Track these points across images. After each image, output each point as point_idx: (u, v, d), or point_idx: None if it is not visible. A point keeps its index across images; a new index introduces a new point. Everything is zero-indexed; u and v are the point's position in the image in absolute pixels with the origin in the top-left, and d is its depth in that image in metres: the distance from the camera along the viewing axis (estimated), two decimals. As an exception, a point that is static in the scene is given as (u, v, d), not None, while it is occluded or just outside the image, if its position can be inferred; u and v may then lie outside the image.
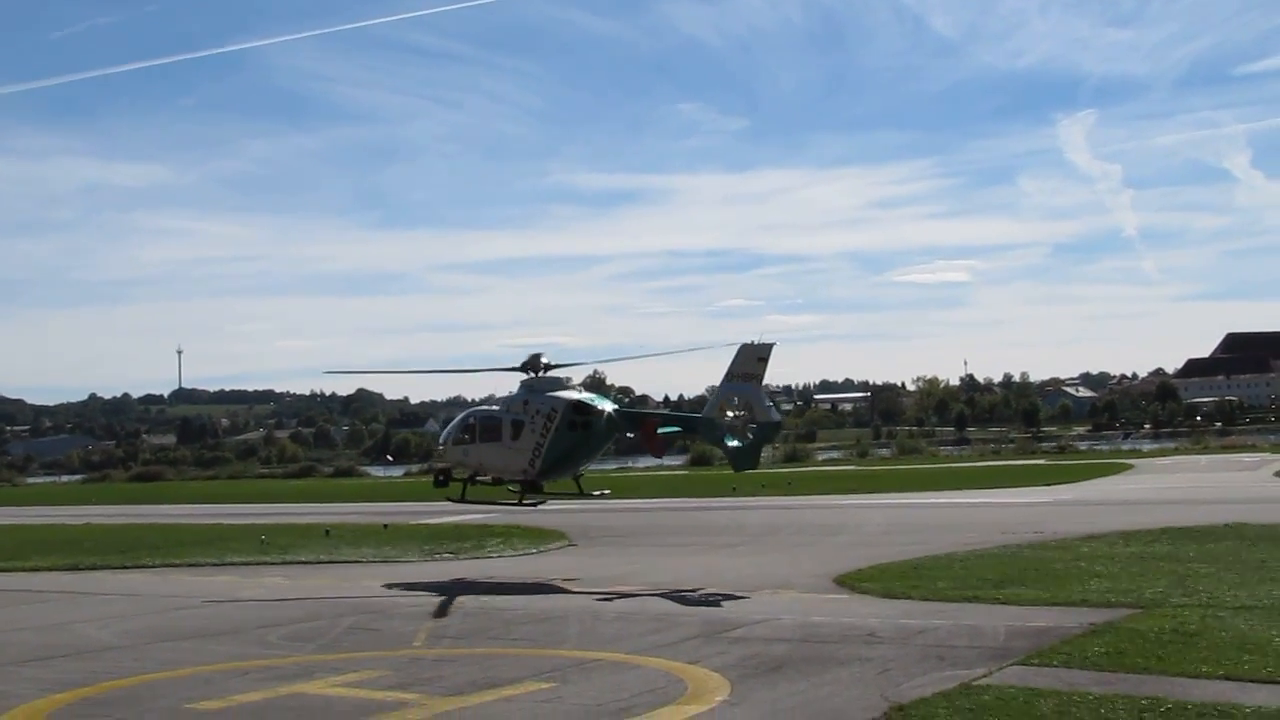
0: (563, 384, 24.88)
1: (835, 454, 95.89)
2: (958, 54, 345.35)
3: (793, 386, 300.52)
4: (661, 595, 20.12)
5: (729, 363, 22.19)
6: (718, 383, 23.16)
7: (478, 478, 25.85)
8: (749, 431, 22.20)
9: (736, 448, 22.42)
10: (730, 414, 22.30)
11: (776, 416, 22.95)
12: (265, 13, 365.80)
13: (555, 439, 24.04)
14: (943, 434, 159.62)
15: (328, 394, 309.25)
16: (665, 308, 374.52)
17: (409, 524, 38.24)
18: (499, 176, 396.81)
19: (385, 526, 36.28)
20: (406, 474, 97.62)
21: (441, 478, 26.53)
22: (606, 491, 30.06)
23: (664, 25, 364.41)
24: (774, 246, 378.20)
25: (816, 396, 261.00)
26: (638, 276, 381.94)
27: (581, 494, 26.23)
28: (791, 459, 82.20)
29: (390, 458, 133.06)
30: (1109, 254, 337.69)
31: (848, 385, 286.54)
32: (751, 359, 22.05)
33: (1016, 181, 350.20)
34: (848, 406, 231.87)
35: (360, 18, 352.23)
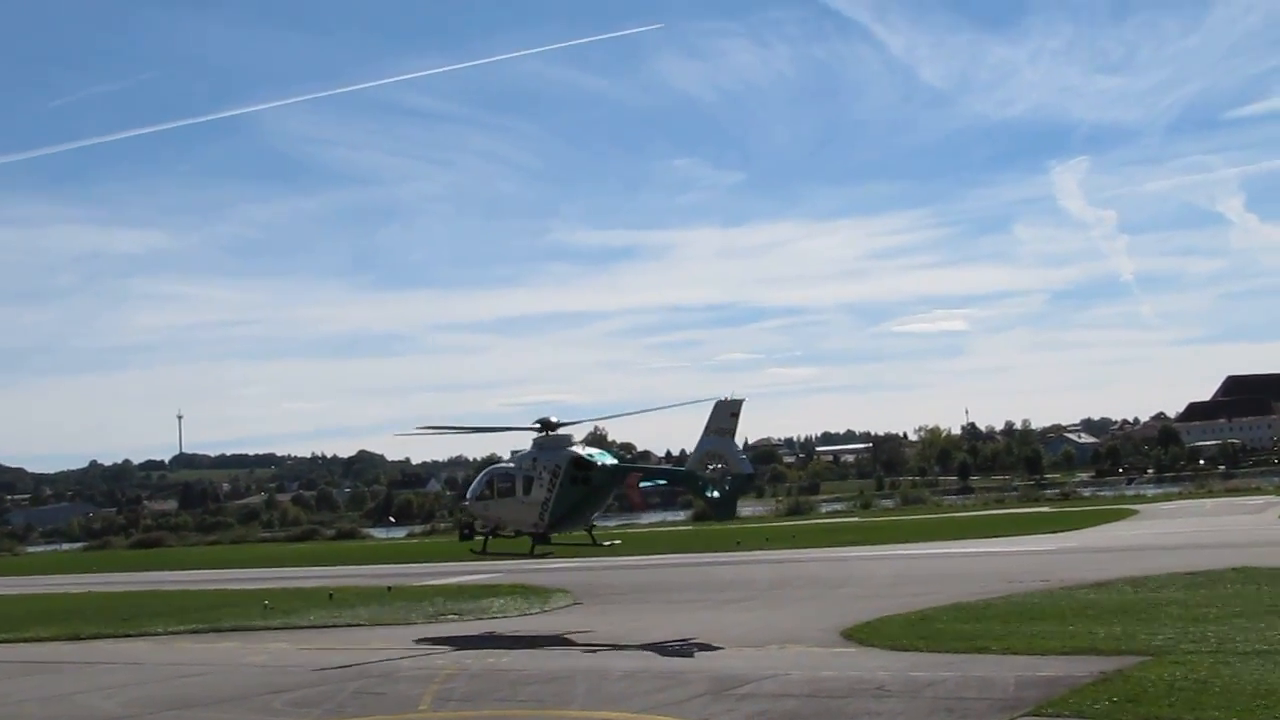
0: (569, 441, 27.13)
1: (839, 506, 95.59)
2: (949, 104, 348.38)
3: (794, 439, 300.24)
4: (665, 652, 20.04)
5: (706, 418, 24.20)
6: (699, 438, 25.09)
7: (498, 531, 27.99)
8: (725, 483, 24.18)
9: (715, 499, 24.50)
10: (710, 467, 24.25)
11: (749, 469, 24.98)
12: (260, 78, 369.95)
13: (560, 493, 26.35)
14: (946, 483, 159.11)
15: (329, 456, 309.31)
16: (665, 363, 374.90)
17: (413, 585, 38.07)
18: (496, 235, 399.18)
19: (389, 589, 36.09)
20: (409, 535, 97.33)
21: (467, 531, 29.29)
22: (617, 541, 31.98)
23: (657, 82, 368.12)
24: (772, 299, 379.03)
25: (818, 449, 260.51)
26: (637, 332, 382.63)
27: (594, 545, 28.41)
28: (795, 512, 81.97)
29: (392, 519, 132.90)
30: (1106, 300, 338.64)
31: (849, 436, 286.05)
32: (725, 414, 24.14)
33: (1012, 229, 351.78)
34: (850, 458, 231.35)
35: (354, 81, 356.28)
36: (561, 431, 27.29)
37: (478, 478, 28.76)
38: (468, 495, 28.55)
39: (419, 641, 23.97)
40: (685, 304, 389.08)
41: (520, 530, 27.46)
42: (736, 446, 24.58)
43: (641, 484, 27.64)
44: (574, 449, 26.69)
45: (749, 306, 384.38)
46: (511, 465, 27.45)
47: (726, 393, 24.24)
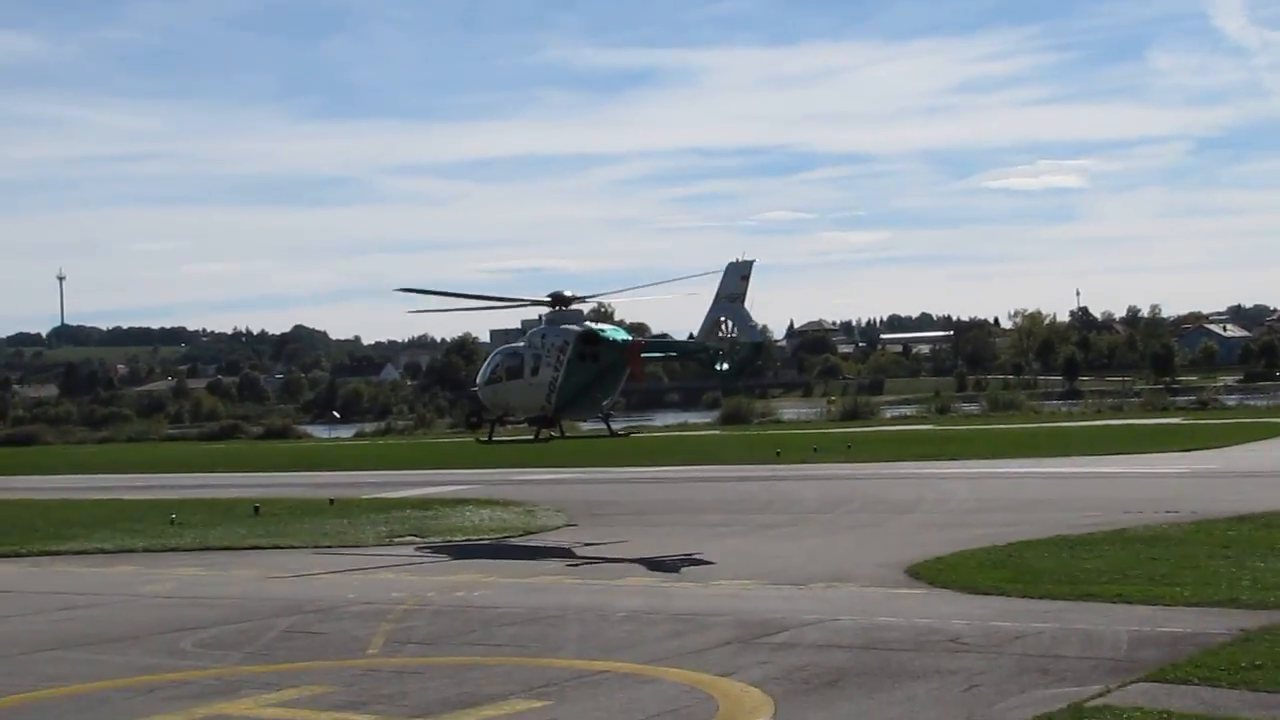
0: (582, 317, 30.62)
1: (908, 410, 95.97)
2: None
3: (853, 323, 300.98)
4: (673, 580, 20.27)
5: (717, 284, 27.72)
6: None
7: (506, 418, 32.05)
8: (736, 353, 27.73)
9: (724, 371, 28.15)
10: (720, 336, 27.80)
11: (757, 338, 28.60)
12: None
13: (568, 372, 29.64)
14: (1048, 385, 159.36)
15: (255, 332, 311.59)
16: (688, 221, 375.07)
17: (362, 499, 38.43)
18: (473, 52, 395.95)
19: (331, 502, 36.52)
20: (358, 435, 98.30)
21: (474, 418, 34.13)
22: (636, 429, 33.93)
23: None
24: (828, 142, 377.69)
25: (884, 336, 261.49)
26: (652, 182, 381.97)
27: (611, 434, 32.35)
28: (852, 416, 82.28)
29: (337, 414, 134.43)
30: (1268, 151, 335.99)
31: (924, 322, 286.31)
32: (735, 278, 27.51)
33: (1146, 56, 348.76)
34: (924, 349, 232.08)
35: None
36: (576, 308, 30.57)
37: (487, 359, 33.02)
38: (476, 379, 32.44)
39: (368, 569, 24.23)
40: (715, 146, 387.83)
41: (528, 416, 31.25)
42: (746, 313, 27.94)
43: (645, 355, 31.02)
44: (583, 325, 30.17)
45: (798, 151, 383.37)
46: (521, 345, 31.13)
47: (738, 254, 27.55)
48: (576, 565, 24.14)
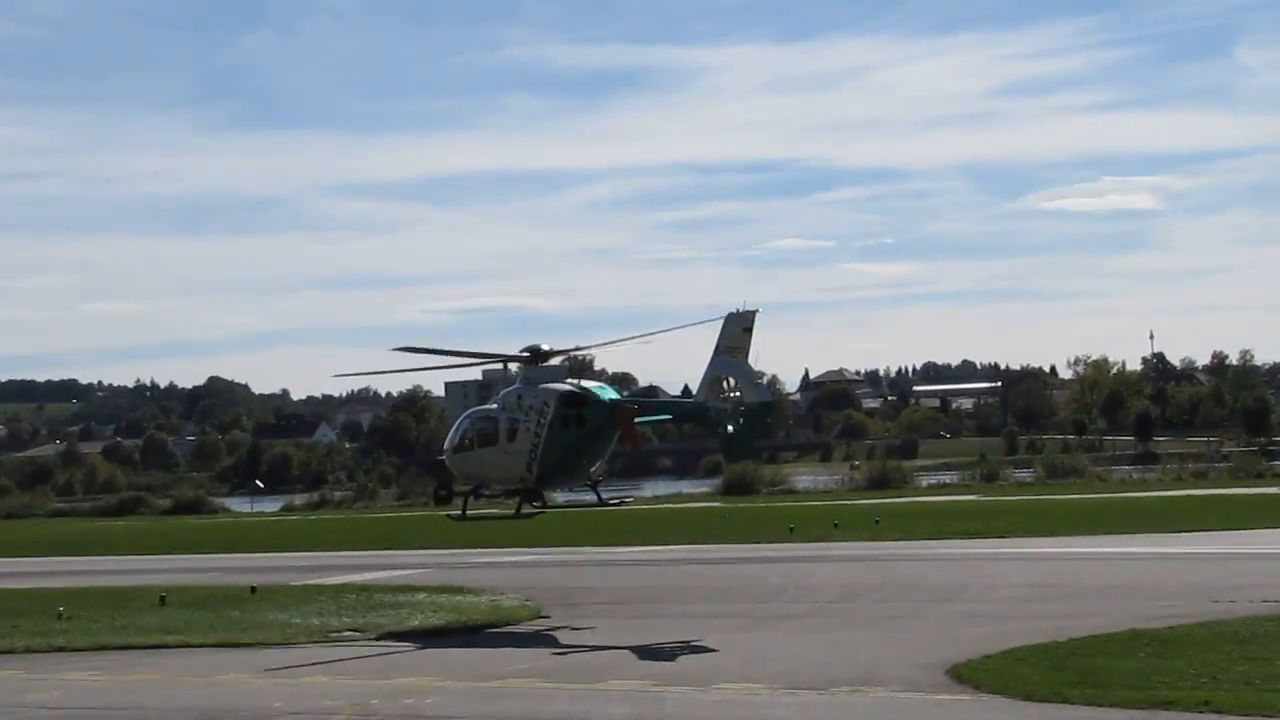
0: (564, 373, 32.05)
1: (947, 477, 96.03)
2: None
3: (880, 373, 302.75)
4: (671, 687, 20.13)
5: (717, 336, 29.05)
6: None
7: (481, 490, 33.40)
8: (740, 415, 28.95)
9: (729, 434, 29.58)
10: (721, 395, 29.18)
11: (765, 396, 30.26)
12: None
13: (550, 437, 30.88)
14: (1116, 446, 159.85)
15: (162, 385, 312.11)
16: (683, 251, 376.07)
17: (291, 585, 38.21)
18: (423, 50, 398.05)
19: (254, 590, 36.31)
20: (286, 509, 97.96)
21: (443, 491, 34.71)
22: (629, 499, 38.80)
23: None
24: (849, 157, 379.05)
25: (917, 389, 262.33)
26: (640, 204, 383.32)
27: (600, 503, 34.03)
28: (880, 485, 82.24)
29: (261, 484, 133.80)
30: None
31: (966, 371, 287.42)
32: (736, 330, 28.89)
33: (1233, 52, 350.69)
34: (966, 404, 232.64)
35: None
36: (556, 362, 32.03)
37: (456, 424, 34.18)
38: (445, 446, 33.59)
39: (298, 671, 24.04)
40: (715, 161, 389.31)
41: (507, 487, 32.88)
42: (750, 369, 29.43)
43: (639, 420, 32.46)
44: (565, 383, 31.50)
45: (814, 167, 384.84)
46: (494, 407, 32.67)
47: (739, 303, 29.21)
48: (550, 662, 23.97)
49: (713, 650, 24.72)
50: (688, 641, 25.21)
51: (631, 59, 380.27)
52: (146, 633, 29.70)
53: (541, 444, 31.06)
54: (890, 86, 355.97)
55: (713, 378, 29.55)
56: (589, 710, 19.04)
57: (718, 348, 29.40)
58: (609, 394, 32.36)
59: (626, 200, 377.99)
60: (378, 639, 28.26)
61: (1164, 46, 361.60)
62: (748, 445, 32.43)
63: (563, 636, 27.95)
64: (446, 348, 32.83)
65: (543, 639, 27.66)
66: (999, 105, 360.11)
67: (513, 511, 33.75)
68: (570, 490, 38.67)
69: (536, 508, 33.43)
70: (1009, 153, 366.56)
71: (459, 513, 33.94)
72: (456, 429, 33.60)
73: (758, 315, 29.33)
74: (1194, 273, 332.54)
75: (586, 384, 32.59)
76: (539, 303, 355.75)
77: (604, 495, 34.61)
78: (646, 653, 24.72)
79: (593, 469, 32.73)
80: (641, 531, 52.72)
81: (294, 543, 58.84)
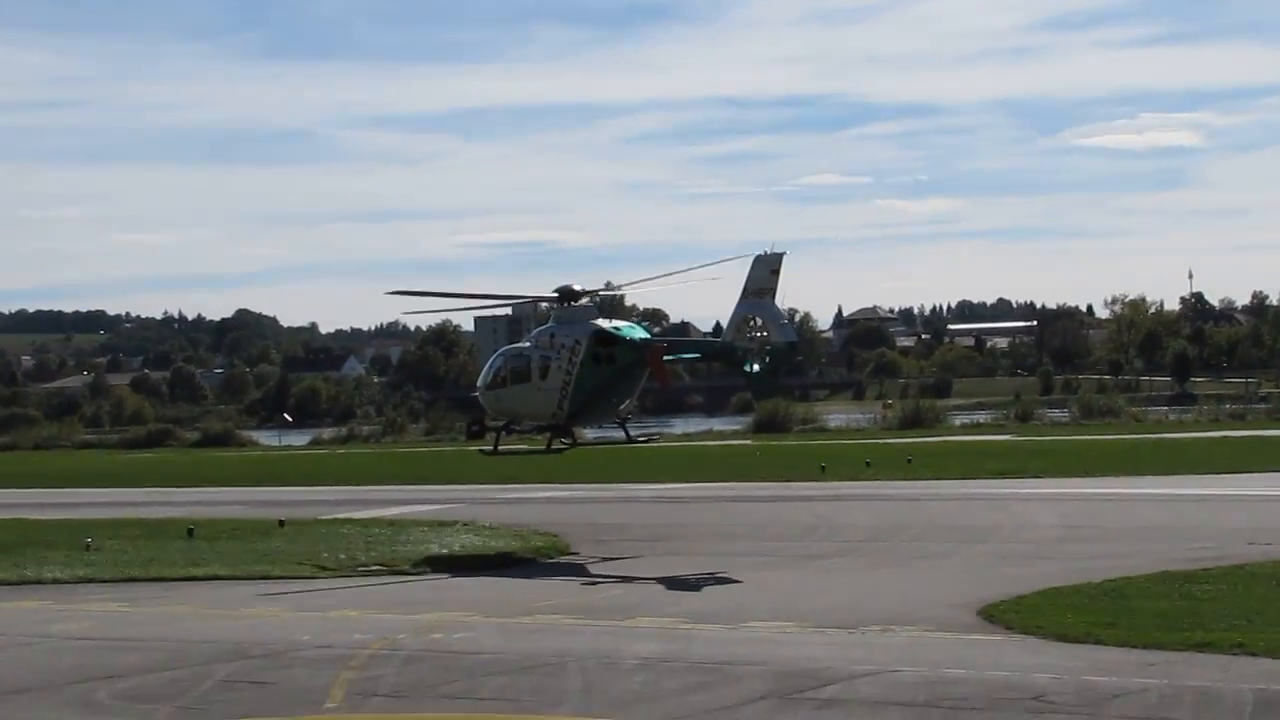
0: (594, 313, 33.24)
1: (981, 416, 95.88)
2: None
3: (915, 311, 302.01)
4: (701, 625, 20.27)
5: (745, 277, 30.44)
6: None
7: (513, 426, 34.74)
8: (765, 354, 30.38)
9: (755, 374, 31.10)
10: (749, 335, 30.44)
11: (791, 336, 31.86)
12: None
13: (581, 375, 32.03)
14: (1153, 387, 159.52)
15: (190, 318, 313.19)
16: (716, 185, 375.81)
17: (319, 520, 38.42)
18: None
19: (282, 523, 36.48)
20: (313, 442, 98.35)
21: (475, 427, 37.42)
22: (656, 436, 40.87)
23: None
24: (885, 91, 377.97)
25: (952, 327, 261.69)
26: (672, 138, 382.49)
27: (629, 440, 35.32)
28: (913, 424, 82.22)
29: (289, 417, 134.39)
30: None
31: (1001, 309, 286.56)
32: (764, 272, 30.25)
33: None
34: (1001, 343, 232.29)
35: None
36: (585, 302, 33.12)
37: (489, 361, 35.93)
38: (478, 383, 35.20)
39: (326, 605, 24.22)
40: (749, 95, 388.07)
41: (538, 423, 34.35)
42: (778, 310, 31.23)
43: (668, 358, 33.51)
44: (596, 322, 32.72)
45: (849, 101, 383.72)
46: (526, 345, 34.25)
47: (768, 245, 30.65)
48: (579, 599, 24.11)
49: (742, 585, 24.87)
50: (714, 573, 25.36)
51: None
52: (174, 565, 29.96)
53: (573, 381, 31.98)
54: (927, 20, 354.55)
55: (740, 318, 30.68)
56: (618, 647, 19.14)
57: (745, 289, 30.59)
58: (639, 333, 33.33)
59: (659, 134, 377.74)
60: (406, 573, 28.50)
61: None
62: (774, 384, 34.77)
63: (592, 573, 28.18)
64: (461, 290, 34.41)
65: (572, 575, 27.88)
66: (1038, 39, 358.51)
67: (543, 447, 34.87)
68: (600, 427, 39.92)
69: (566, 444, 34.63)
70: (1047, 88, 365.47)
71: (491, 448, 35.29)
72: (490, 366, 34.73)
73: (785, 257, 30.59)
74: (1234, 211, 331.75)
75: (618, 323, 33.44)
76: (570, 237, 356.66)
77: (633, 433, 35.45)
78: (676, 589, 24.84)
79: (622, 406, 33.66)
80: (672, 469, 52.84)
81: (322, 477, 59.05)
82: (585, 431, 40.95)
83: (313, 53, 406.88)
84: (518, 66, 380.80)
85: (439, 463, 62.25)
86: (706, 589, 24.95)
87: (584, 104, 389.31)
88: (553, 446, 34.58)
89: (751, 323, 30.52)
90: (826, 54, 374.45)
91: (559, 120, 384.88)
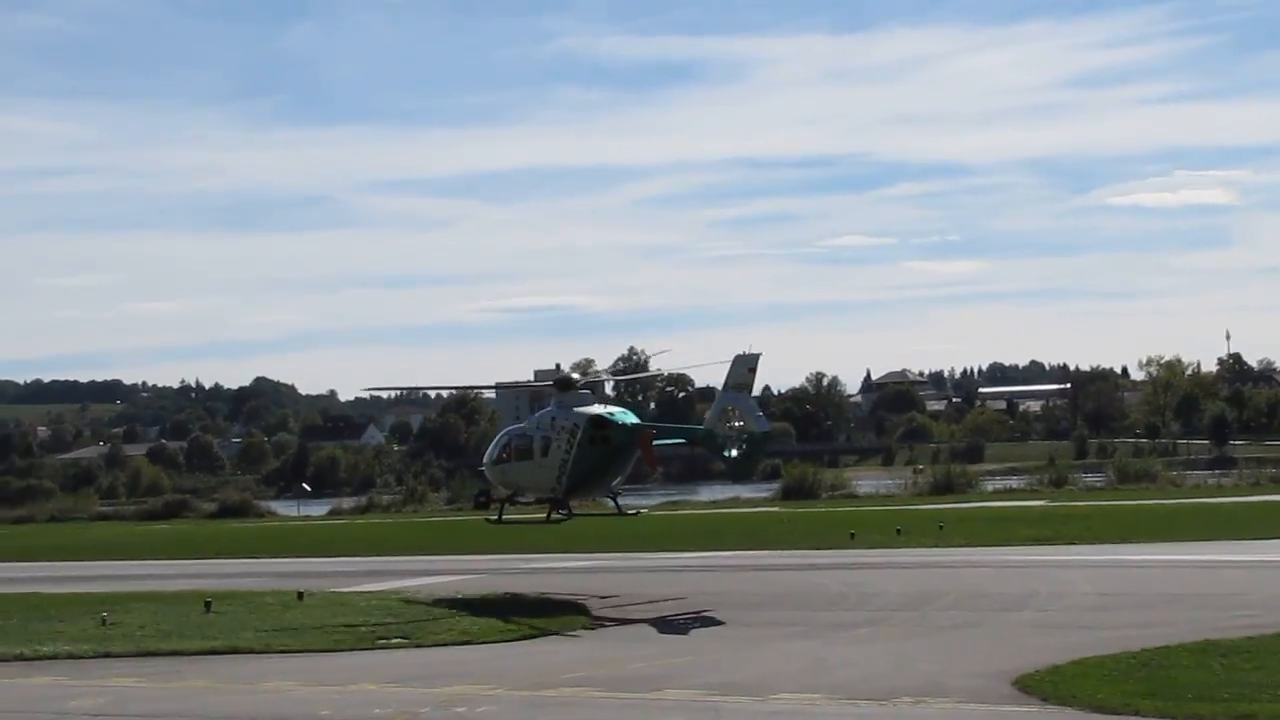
0: (591, 399, 37.84)
1: (1015, 482, 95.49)
2: None
3: (945, 374, 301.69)
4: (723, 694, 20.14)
5: (726, 372, 34.69)
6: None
7: (515, 498, 39.67)
8: (742, 442, 34.83)
9: (733, 458, 35.44)
10: (728, 425, 34.79)
11: (764, 426, 36.21)
12: None
13: (578, 455, 36.62)
14: (1191, 451, 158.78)
15: (207, 386, 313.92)
16: (740, 248, 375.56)
17: (338, 592, 38.47)
18: (470, 42, 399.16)
19: (301, 595, 36.56)
20: (334, 513, 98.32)
21: (482, 497, 42.49)
22: (643, 509, 46.09)
23: None
24: (912, 151, 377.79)
25: (983, 390, 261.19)
26: (695, 201, 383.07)
27: (619, 512, 40.36)
28: (944, 490, 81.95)
29: (308, 487, 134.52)
30: None
31: (1033, 372, 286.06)
32: (742, 370, 34.50)
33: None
34: (1034, 406, 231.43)
35: None
36: (590, 377, 38.25)
37: (494, 439, 40.41)
38: (484, 459, 39.77)
39: (346, 680, 24.20)
40: (772, 156, 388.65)
41: (538, 496, 38.69)
42: (753, 403, 35.78)
43: (656, 442, 37.54)
44: (592, 407, 37.17)
45: (875, 161, 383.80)
46: (529, 426, 38.94)
47: (745, 347, 34.83)
48: (604, 670, 24.05)
49: (771, 655, 24.78)
50: (742, 643, 25.19)
51: (685, 50, 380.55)
52: (192, 638, 29.95)
53: (571, 460, 36.80)
54: (953, 78, 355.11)
55: (721, 409, 35.33)
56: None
57: (726, 383, 35.16)
58: (631, 418, 38.05)
59: (681, 196, 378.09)
60: (427, 645, 28.44)
61: (1237, 35, 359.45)
62: (750, 468, 43.41)
63: (617, 644, 28.06)
64: (426, 383, 39.11)
65: (597, 646, 27.75)
66: (1067, 97, 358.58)
67: (544, 517, 39.52)
68: (592, 500, 43.28)
69: (563, 515, 38.60)
70: (1077, 146, 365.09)
71: (496, 517, 40.69)
72: (496, 443, 39.46)
73: (759, 359, 34.88)
74: (1271, 270, 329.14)
75: (612, 409, 37.95)
76: (592, 301, 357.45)
77: (622, 505, 40.68)
78: (702, 660, 24.77)
79: (614, 483, 38.65)
80: (695, 538, 52.71)
81: (341, 547, 59.08)
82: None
83: (329, 117, 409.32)
84: (538, 129, 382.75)
85: (460, 532, 62.17)
86: (734, 659, 24.82)
87: (604, 166, 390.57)
88: (552, 517, 38.95)
89: (731, 413, 34.86)
90: (849, 114, 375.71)
91: (579, 183, 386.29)
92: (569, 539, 45.36)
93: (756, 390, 36.31)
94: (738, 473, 45.00)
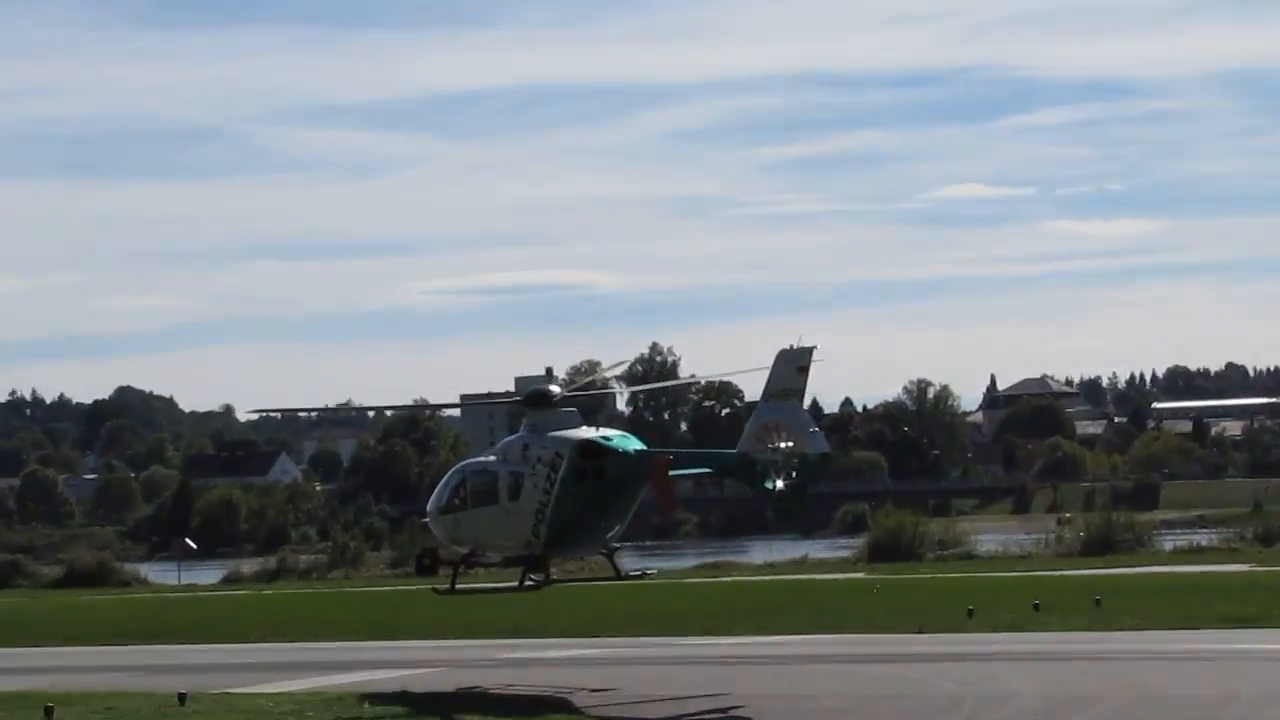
0: (576, 417, 36.18)
1: (1204, 537, 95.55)
2: None
3: (1103, 383, 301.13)
4: None
5: (766, 377, 34.12)
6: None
7: (474, 558, 38.59)
8: (791, 468, 33.86)
9: (777, 491, 34.48)
10: (770, 446, 33.74)
11: (822, 447, 35.17)
12: None
13: (562, 495, 35.12)
14: None
15: (48, 399, 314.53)
16: (805, 204, 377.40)
17: (235, 695, 38.60)
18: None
19: (183, 699, 36.71)
20: (229, 581, 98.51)
21: (426, 560, 40.19)
22: (651, 570, 44.72)
23: None
24: (1054, 63, 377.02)
25: (1158, 406, 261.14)
26: (741, 135, 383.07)
27: (618, 575, 38.93)
28: (1103, 548, 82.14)
29: (192, 543, 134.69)
30: None
31: (1230, 380, 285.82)
32: (790, 370, 33.80)
33: None
34: (1233, 428, 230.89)
35: None
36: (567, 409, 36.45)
37: (443, 479, 38.88)
38: (428, 506, 37.62)
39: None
40: (853, 70, 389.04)
41: (506, 555, 37.40)
42: (805, 415, 34.55)
43: (674, 473, 36.70)
44: (580, 430, 36.01)
45: (1001, 77, 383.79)
46: (492, 459, 36.73)
47: (793, 339, 33.80)
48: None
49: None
50: None
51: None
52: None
53: (552, 502, 35.69)
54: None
55: (760, 425, 34.57)
56: None
57: (766, 390, 34.76)
58: (633, 443, 37.16)
59: (723, 129, 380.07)
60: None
61: None
62: (801, 504, 37.13)
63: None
64: (359, 398, 37.55)
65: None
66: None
67: (515, 584, 38.19)
68: (581, 558, 44.70)
69: (537, 580, 37.67)
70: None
71: (447, 586, 39.36)
72: (445, 485, 38.45)
73: (814, 353, 34.28)
74: None
75: (607, 432, 37.02)
76: (599, 279, 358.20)
77: (622, 566, 39.78)
78: None
79: (610, 533, 37.05)
80: (751, 613, 52.76)
81: (240, 630, 59.25)
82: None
83: (222, 16, 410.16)
84: (518, 33, 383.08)
85: (411, 607, 62.26)
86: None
87: (614, 86, 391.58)
88: (524, 584, 37.49)
89: (773, 430, 34.06)
90: (966, 9, 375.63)
91: (579, 110, 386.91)
92: (568, 617, 45.35)
93: (808, 399, 36.02)
94: (784, 511, 43.73)
